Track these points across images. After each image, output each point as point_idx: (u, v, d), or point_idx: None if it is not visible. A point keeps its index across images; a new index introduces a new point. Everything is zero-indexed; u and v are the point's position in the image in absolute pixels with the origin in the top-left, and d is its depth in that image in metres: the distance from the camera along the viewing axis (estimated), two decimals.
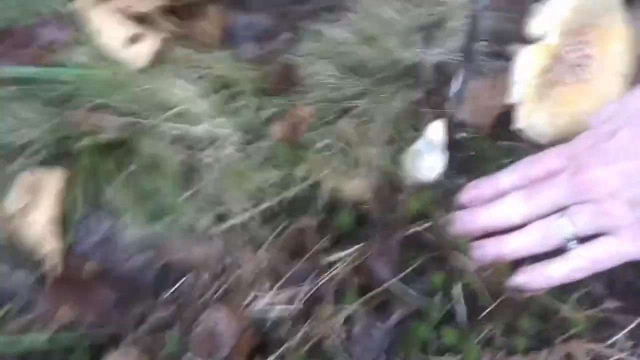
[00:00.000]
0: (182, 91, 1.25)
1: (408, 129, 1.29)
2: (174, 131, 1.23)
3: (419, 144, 1.27)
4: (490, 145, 1.28)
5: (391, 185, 1.25)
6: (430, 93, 1.32)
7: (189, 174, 1.21)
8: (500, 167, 1.24)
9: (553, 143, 1.23)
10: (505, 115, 1.27)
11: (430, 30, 1.35)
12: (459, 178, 1.28)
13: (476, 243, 1.20)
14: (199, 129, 1.23)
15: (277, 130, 1.27)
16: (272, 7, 1.34)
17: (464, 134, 1.30)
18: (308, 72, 1.31)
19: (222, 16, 1.32)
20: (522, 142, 1.27)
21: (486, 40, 1.30)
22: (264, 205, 1.20)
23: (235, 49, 1.31)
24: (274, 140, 1.26)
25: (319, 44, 1.34)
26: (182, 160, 1.21)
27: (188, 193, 1.21)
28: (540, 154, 1.22)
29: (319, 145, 1.25)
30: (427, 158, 1.27)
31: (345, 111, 1.28)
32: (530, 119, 1.26)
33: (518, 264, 1.17)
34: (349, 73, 1.32)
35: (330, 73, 1.31)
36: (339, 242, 1.18)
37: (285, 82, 1.28)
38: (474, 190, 1.24)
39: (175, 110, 1.22)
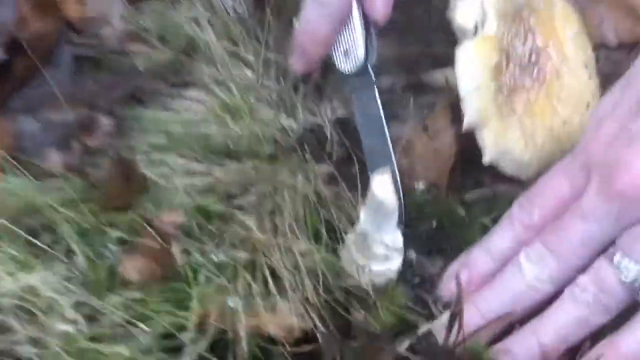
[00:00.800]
0: None
1: (332, 216, 0.97)
2: None
3: (359, 226, 0.95)
4: (456, 204, 1.01)
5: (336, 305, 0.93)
6: (342, 163, 1.03)
7: None
8: (482, 230, 0.99)
9: (540, 172, 0.99)
10: (464, 157, 1.03)
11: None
12: (432, 261, 1.00)
13: (499, 347, 0.91)
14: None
15: (131, 271, 0.90)
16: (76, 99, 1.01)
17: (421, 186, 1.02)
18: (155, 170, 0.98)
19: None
20: (500, 185, 1.03)
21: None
22: None
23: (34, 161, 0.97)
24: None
25: (158, 129, 1.02)
26: None
27: None
28: (539, 183, 0.97)
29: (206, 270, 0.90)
30: (379, 239, 0.95)
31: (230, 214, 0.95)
32: (500, 144, 1.00)
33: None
34: (215, 157, 1.01)
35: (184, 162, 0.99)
36: None
37: (125, 191, 0.93)
38: (464, 271, 0.96)
39: None
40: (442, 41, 1.07)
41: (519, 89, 1.01)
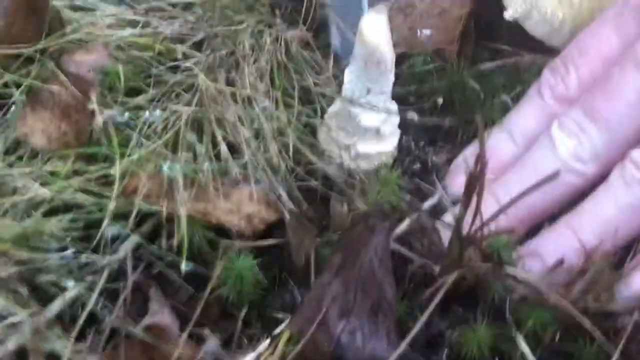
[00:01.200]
0: None
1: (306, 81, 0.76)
2: None
3: (343, 90, 0.73)
4: (469, 77, 0.80)
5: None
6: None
7: None
8: (502, 109, 0.79)
9: (574, 35, 0.78)
10: (480, 20, 0.83)
11: None
12: (436, 146, 0.79)
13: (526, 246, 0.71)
14: None
15: (35, 134, 0.68)
16: None
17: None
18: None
19: None
20: (524, 54, 0.82)
21: None
22: None
23: None
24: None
25: None
26: None
27: None
28: (578, 40, 0.77)
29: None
30: (368, 106, 0.72)
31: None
32: None
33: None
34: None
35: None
36: None
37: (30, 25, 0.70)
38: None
39: None
40: None
41: None
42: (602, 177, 0.71)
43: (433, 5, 0.81)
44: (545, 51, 0.80)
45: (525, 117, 0.76)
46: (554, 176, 0.60)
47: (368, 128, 0.72)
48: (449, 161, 0.77)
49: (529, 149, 0.74)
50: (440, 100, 0.79)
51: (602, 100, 0.70)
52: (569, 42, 0.78)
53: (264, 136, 0.67)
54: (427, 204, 0.70)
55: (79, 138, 0.67)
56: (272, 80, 0.72)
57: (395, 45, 0.70)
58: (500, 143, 0.75)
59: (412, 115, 0.74)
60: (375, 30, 0.69)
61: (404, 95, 0.79)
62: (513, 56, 0.82)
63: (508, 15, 0.78)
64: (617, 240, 0.68)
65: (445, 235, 0.69)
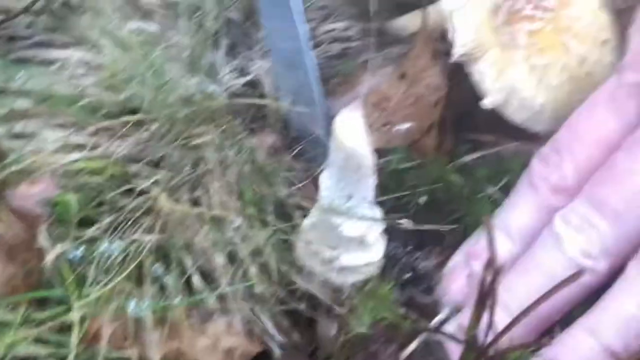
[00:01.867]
0: None
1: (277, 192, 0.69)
2: None
3: (320, 199, 0.66)
4: (449, 171, 0.74)
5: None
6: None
7: None
8: (490, 205, 0.73)
9: (558, 124, 0.73)
10: (456, 112, 0.78)
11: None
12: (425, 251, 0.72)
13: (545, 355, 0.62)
14: None
15: None
16: None
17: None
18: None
19: None
20: (505, 142, 0.77)
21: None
22: None
23: None
24: None
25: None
26: None
27: None
28: (568, 124, 0.72)
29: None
30: (350, 213, 0.65)
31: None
32: (504, 79, 0.75)
33: None
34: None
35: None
36: None
37: None
38: (473, 263, 0.69)
39: None
40: None
41: (518, 14, 0.79)
42: (614, 272, 0.65)
43: (407, 95, 0.76)
44: (528, 138, 0.75)
45: (519, 213, 0.69)
46: (573, 277, 0.54)
47: (352, 238, 0.66)
48: (441, 265, 0.71)
49: (530, 247, 0.67)
50: (422, 200, 0.73)
51: (608, 190, 0.65)
52: (553, 126, 0.74)
53: (241, 260, 0.59)
54: (436, 320, 0.63)
55: (28, 281, 0.59)
56: (241, 196, 0.66)
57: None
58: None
59: (406, 223, 0.67)
60: (351, 132, 0.62)
61: (383, 197, 0.73)
62: (494, 146, 0.76)
63: (486, 103, 0.73)
64: None
65: (452, 351, 0.62)
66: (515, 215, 0.70)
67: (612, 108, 0.68)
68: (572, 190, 0.68)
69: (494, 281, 0.53)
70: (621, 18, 0.81)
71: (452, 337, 0.58)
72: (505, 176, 0.73)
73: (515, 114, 0.75)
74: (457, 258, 0.70)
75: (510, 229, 0.69)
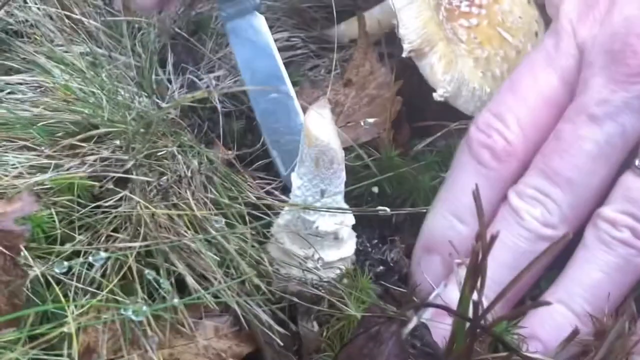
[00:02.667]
0: None
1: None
2: None
3: (292, 197, 0.69)
4: (404, 162, 0.77)
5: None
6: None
7: None
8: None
9: None
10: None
11: None
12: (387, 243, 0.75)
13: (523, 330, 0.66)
14: None
15: None
16: None
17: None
18: None
19: None
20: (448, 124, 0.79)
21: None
22: None
23: None
24: None
25: None
26: None
27: None
28: (509, 83, 0.73)
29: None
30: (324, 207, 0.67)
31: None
32: (454, 72, 0.78)
33: None
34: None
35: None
36: None
37: None
38: (433, 257, 0.72)
39: None
40: None
41: (456, 11, 0.83)
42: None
43: (360, 97, 0.79)
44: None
45: (465, 190, 0.69)
46: (554, 248, 0.56)
47: (327, 233, 0.67)
48: (406, 254, 0.73)
49: (490, 226, 0.69)
50: (375, 189, 0.74)
51: (559, 160, 0.67)
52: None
53: (231, 259, 0.60)
54: (433, 295, 0.64)
55: (12, 302, 0.57)
56: (215, 200, 0.66)
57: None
58: (448, 231, 0.69)
59: (384, 210, 0.68)
60: (322, 128, 0.64)
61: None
62: (440, 129, 0.79)
63: (437, 96, 0.75)
64: (611, 303, 0.65)
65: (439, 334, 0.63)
66: (461, 195, 0.70)
67: (552, 67, 0.70)
68: (519, 155, 0.68)
69: (484, 258, 0.54)
70: (545, 12, 0.86)
71: (448, 309, 0.59)
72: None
73: (466, 105, 0.78)
74: (417, 252, 0.72)
75: (459, 212, 0.69)
